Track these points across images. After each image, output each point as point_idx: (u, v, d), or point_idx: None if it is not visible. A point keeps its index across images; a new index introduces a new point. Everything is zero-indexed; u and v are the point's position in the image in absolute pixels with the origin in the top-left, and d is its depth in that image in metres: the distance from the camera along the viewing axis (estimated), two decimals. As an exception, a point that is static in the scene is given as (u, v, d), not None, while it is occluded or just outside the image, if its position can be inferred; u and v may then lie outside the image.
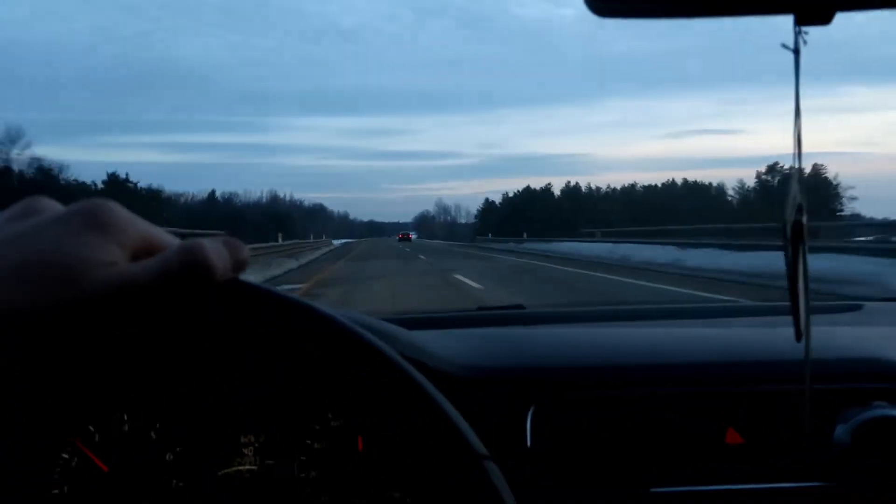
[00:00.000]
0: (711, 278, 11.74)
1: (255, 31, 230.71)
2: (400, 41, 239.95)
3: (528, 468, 0.66)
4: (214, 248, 0.37)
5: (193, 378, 0.58)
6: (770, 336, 0.88)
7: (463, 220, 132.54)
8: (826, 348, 0.76)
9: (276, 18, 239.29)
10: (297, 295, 0.44)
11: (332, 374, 0.47)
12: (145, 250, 0.36)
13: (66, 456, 0.56)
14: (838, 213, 53.89)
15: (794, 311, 0.41)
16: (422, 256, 27.98)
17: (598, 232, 34.80)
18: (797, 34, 0.38)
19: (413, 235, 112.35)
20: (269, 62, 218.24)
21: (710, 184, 74.36)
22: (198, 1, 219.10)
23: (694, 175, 76.66)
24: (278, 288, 0.44)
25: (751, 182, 63.75)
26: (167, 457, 0.58)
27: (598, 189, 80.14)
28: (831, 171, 58.44)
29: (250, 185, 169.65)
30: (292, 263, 20.96)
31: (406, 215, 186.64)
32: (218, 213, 71.86)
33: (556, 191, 79.75)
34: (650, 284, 11.29)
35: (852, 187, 56.51)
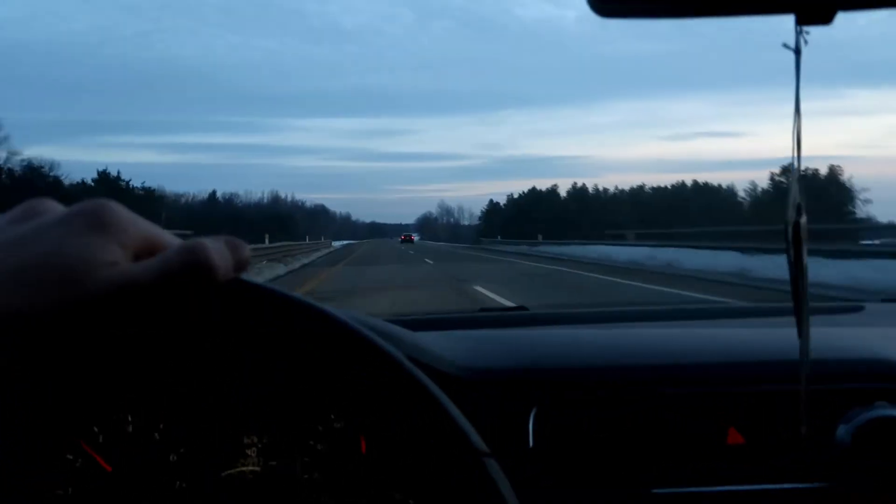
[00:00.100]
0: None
1: (256, 32, 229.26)
2: (401, 42, 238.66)
3: (531, 469, 0.66)
4: (216, 248, 0.37)
5: (196, 378, 0.58)
6: (771, 336, 0.87)
7: (466, 222, 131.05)
8: (828, 349, 0.76)
9: (276, 19, 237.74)
10: (300, 294, 0.44)
11: (336, 374, 0.47)
12: (147, 250, 0.36)
13: (70, 457, 0.56)
14: (852, 216, 51.42)
15: (796, 312, 0.42)
16: (428, 260, 25.62)
17: (630, 234, 31.69)
18: (798, 34, 0.38)
19: (415, 237, 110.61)
20: (269, 63, 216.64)
21: (720, 185, 71.91)
22: (198, 1, 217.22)
23: (698, 177, 74.37)
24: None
25: (763, 183, 61.22)
26: (171, 457, 0.58)
27: (606, 190, 77.84)
28: (846, 174, 55.81)
29: (251, 186, 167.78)
30: (280, 269, 19.26)
31: (408, 217, 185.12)
32: (218, 213, 70.14)
33: (562, 192, 77.06)
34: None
35: (867, 189, 54.28)
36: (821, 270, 10.34)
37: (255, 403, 0.59)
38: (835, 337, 0.84)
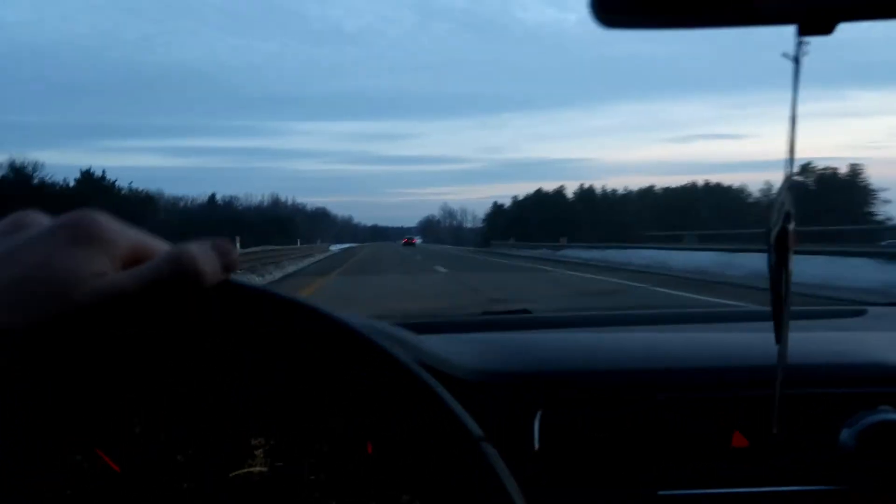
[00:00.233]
0: None
1: (258, 35, 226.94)
2: (403, 44, 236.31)
3: (536, 471, 0.67)
4: (202, 253, 0.37)
5: (200, 379, 0.58)
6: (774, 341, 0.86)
7: (469, 225, 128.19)
8: (831, 352, 0.77)
9: (278, 21, 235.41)
10: (297, 295, 0.43)
11: (339, 376, 0.48)
12: (135, 259, 0.37)
13: (78, 457, 0.57)
14: (873, 216, 48.38)
15: (774, 316, 0.42)
16: (440, 268, 21.38)
17: (686, 235, 27.59)
18: (798, 44, 0.39)
19: (417, 240, 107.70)
20: (271, 66, 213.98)
21: (731, 186, 68.57)
22: (200, 4, 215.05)
23: (703, 178, 70.90)
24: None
25: (777, 183, 57.76)
26: (178, 458, 0.59)
27: (615, 191, 74.49)
28: (859, 174, 52.75)
29: (252, 189, 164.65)
30: (254, 280, 14.93)
31: (410, 220, 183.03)
32: (217, 217, 67.84)
33: (569, 193, 73.89)
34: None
35: (886, 189, 51.40)
36: (858, 273, 10.22)
37: (259, 405, 0.59)
38: (838, 341, 0.84)
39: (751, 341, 0.91)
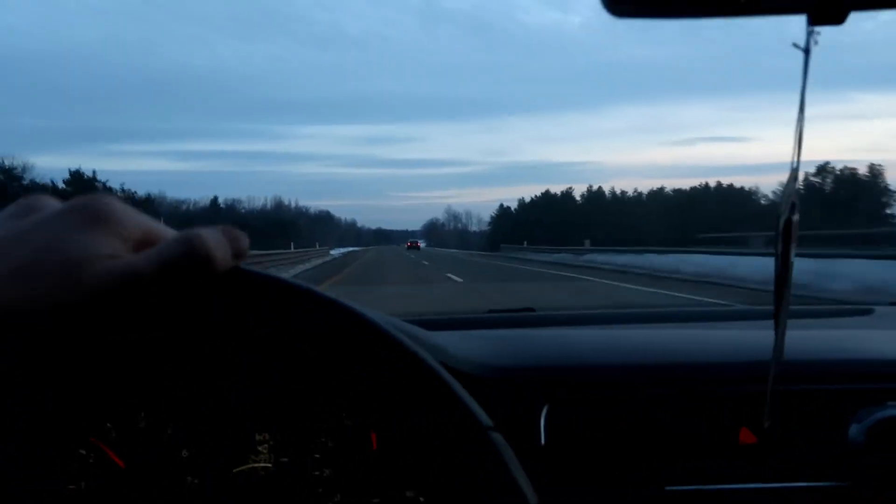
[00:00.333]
0: None
1: (262, 39, 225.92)
2: (406, 48, 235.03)
3: (543, 466, 0.67)
4: (214, 237, 0.36)
5: (204, 374, 0.58)
6: (787, 337, 0.86)
7: (475, 228, 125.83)
8: (839, 349, 0.78)
9: (282, 25, 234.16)
10: (302, 282, 0.42)
11: (347, 368, 0.46)
12: (145, 243, 0.36)
13: (83, 453, 0.57)
14: (891, 218, 46.16)
15: (776, 307, 0.42)
16: (454, 276, 18.05)
17: (752, 237, 24.18)
18: (809, 34, 0.38)
19: (421, 243, 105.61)
20: (276, 70, 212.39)
21: (743, 187, 66.21)
22: (205, 9, 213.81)
23: (711, 181, 68.54)
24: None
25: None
26: (182, 454, 0.58)
27: (624, 193, 72.05)
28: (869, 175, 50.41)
29: (255, 192, 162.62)
30: None
31: (414, 223, 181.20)
32: (220, 220, 64.69)
33: (576, 195, 71.58)
34: None
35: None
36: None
37: (263, 400, 0.59)
38: (845, 338, 0.85)
39: (759, 337, 0.90)
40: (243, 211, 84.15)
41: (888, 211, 50.55)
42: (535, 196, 78.25)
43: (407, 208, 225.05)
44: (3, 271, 0.33)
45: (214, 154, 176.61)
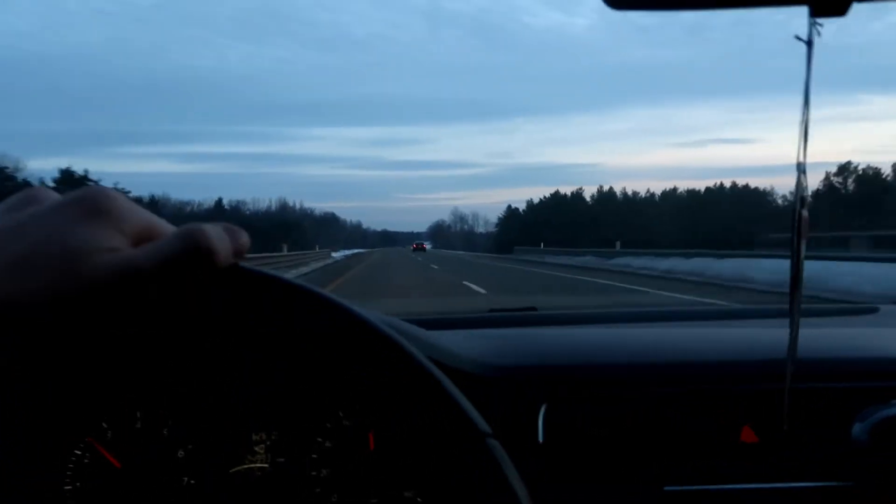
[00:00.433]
0: None
1: (268, 42, 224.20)
2: (412, 51, 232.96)
3: (541, 465, 0.66)
4: (215, 232, 0.36)
5: (201, 375, 0.58)
6: (784, 335, 0.91)
7: (481, 230, 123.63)
8: (843, 348, 0.77)
9: (288, 29, 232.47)
10: (302, 281, 0.42)
11: (346, 368, 0.45)
12: (145, 237, 0.36)
13: (79, 452, 0.57)
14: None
15: (791, 304, 0.41)
16: (472, 285, 13.96)
17: (853, 238, 20.94)
18: (811, 25, 0.37)
19: (427, 245, 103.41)
20: (281, 72, 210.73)
21: (757, 188, 63.85)
22: (211, 12, 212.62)
23: (711, 183, 66.20)
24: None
25: (814, 184, 53.18)
26: (179, 454, 0.58)
27: (636, 194, 69.56)
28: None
29: (260, 194, 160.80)
30: None
31: (420, 225, 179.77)
32: (224, 221, 63.05)
33: (586, 196, 69.20)
34: None
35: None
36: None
37: (260, 400, 0.59)
38: (850, 336, 0.84)
39: (759, 336, 0.90)
40: (248, 212, 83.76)
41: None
42: (545, 197, 76.97)
43: (412, 210, 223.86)
44: (1, 264, 0.32)
45: (219, 156, 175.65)
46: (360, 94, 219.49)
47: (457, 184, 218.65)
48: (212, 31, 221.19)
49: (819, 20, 0.37)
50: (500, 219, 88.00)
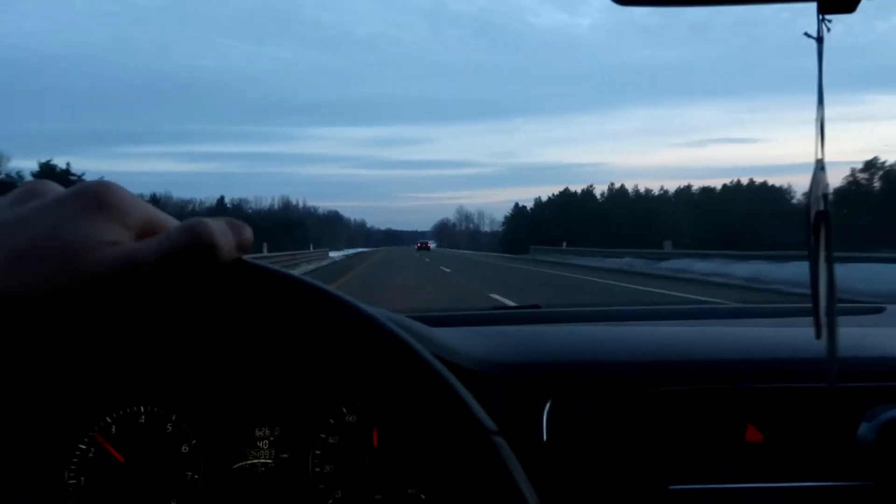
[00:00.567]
0: None
1: (271, 42, 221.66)
2: (415, 51, 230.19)
3: (545, 463, 0.66)
4: (219, 227, 0.35)
5: (205, 371, 0.58)
6: (790, 334, 0.86)
7: (487, 228, 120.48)
8: (849, 348, 0.76)
9: (291, 29, 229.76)
10: (308, 277, 0.41)
11: (349, 365, 0.45)
12: (148, 231, 0.35)
13: (83, 447, 0.57)
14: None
15: (814, 305, 0.41)
16: (498, 297, 10.31)
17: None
18: (820, 22, 0.36)
19: (432, 244, 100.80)
20: (285, 72, 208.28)
21: (773, 185, 60.85)
22: (214, 12, 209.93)
23: (714, 182, 63.45)
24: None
25: (836, 181, 50.04)
26: (182, 449, 0.58)
27: (649, 191, 66.70)
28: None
29: (263, 193, 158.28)
30: None
31: (424, 224, 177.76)
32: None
33: (596, 194, 66.20)
34: None
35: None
36: None
37: (263, 396, 0.58)
38: (856, 336, 0.83)
39: (764, 335, 0.89)
40: (250, 211, 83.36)
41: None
42: (553, 195, 74.58)
43: (417, 209, 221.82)
44: (2, 257, 0.32)
45: (222, 155, 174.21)
46: (362, 93, 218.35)
47: (460, 183, 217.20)
48: (214, 32, 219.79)
49: (828, 17, 0.36)
50: (506, 217, 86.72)
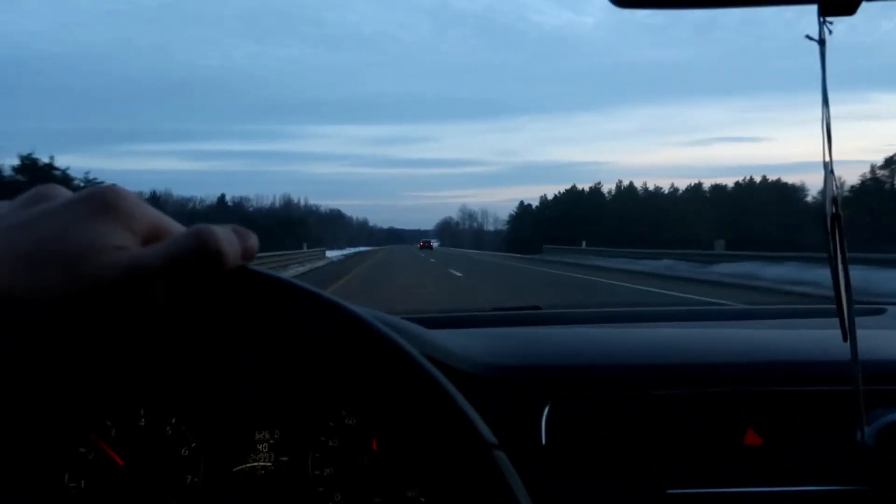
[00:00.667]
0: None
1: (275, 41, 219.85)
2: (419, 50, 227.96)
3: (543, 465, 0.66)
4: (224, 234, 0.35)
5: (205, 374, 0.58)
6: (791, 337, 0.86)
7: (491, 227, 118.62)
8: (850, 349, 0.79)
9: (295, 28, 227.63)
10: (305, 282, 0.42)
11: (347, 369, 0.45)
12: (154, 236, 0.35)
13: (83, 450, 0.57)
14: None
15: (838, 307, 0.40)
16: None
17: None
18: (822, 24, 0.36)
19: (434, 243, 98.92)
20: (288, 71, 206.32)
21: (787, 183, 58.60)
22: (219, 11, 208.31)
23: (721, 181, 61.43)
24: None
25: (852, 179, 47.76)
26: (182, 452, 0.58)
27: (659, 189, 64.36)
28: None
29: (264, 191, 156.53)
30: None
31: (427, 222, 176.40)
32: (227, 218, 59.68)
33: (604, 192, 64.10)
34: None
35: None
36: None
37: (262, 399, 0.58)
38: (857, 338, 0.83)
39: (764, 337, 0.89)
40: (251, 209, 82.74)
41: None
42: (559, 193, 72.86)
43: (419, 208, 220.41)
44: (8, 259, 0.32)
45: (225, 154, 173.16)
46: (366, 92, 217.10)
47: (463, 182, 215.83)
48: (218, 31, 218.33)
49: (829, 19, 0.36)
50: (511, 216, 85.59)
